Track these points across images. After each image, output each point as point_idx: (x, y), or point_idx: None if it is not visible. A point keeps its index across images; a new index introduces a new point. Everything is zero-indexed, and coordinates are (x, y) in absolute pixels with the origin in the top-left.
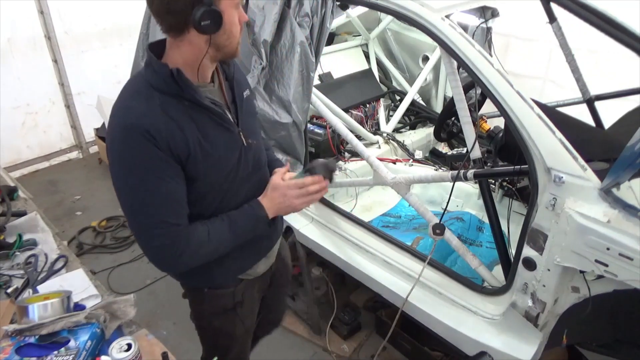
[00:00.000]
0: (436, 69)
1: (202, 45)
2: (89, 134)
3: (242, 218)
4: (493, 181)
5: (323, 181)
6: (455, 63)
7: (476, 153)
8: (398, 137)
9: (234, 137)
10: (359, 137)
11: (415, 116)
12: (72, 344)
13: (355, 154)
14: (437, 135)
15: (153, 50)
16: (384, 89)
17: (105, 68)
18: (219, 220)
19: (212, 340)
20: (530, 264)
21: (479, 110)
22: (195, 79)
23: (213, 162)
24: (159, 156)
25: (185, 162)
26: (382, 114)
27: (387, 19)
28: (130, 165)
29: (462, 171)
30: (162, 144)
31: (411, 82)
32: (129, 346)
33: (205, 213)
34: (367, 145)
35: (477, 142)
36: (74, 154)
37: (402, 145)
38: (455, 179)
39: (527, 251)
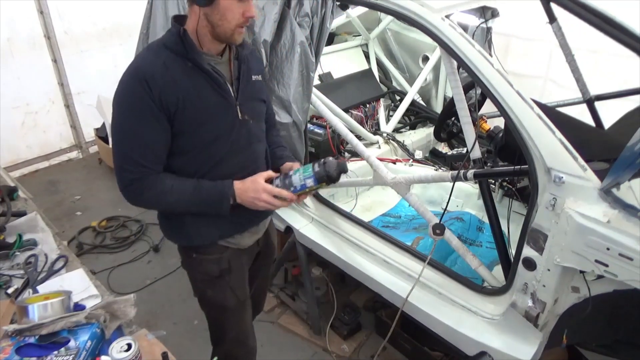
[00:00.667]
0: (436, 69)
1: (199, 17)
2: (89, 134)
3: (209, 189)
4: (493, 181)
5: (293, 199)
6: (455, 63)
7: (476, 153)
8: (398, 137)
9: (228, 107)
10: (359, 137)
11: (415, 116)
12: (72, 344)
13: (355, 154)
14: (437, 135)
15: (180, 19)
16: (384, 89)
17: (105, 68)
18: (188, 181)
19: (209, 313)
20: (530, 264)
21: (479, 110)
22: (198, 45)
23: (201, 121)
24: (149, 105)
25: (173, 114)
26: (382, 114)
27: (387, 19)
28: (123, 106)
29: (462, 171)
30: (155, 94)
31: (411, 82)
32: (129, 346)
33: (189, 170)
34: (367, 145)
35: (477, 142)
36: (73, 154)
37: (402, 145)
38: (455, 179)
39: (527, 251)
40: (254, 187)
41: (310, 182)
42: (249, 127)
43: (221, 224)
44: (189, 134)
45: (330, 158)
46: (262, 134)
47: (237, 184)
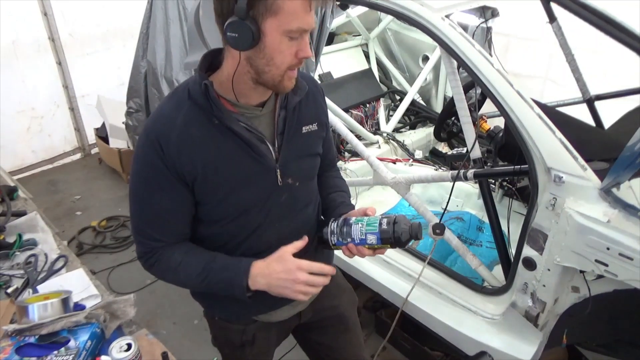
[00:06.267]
0: (436, 69)
1: (239, 62)
2: (91, 136)
3: (220, 272)
4: (493, 181)
5: (332, 272)
6: (455, 63)
7: (476, 153)
8: (398, 137)
9: (264, 172)
10: (359, 137)
11: (415, 116)
12: (72, 344)
13: (355, 154)
14: (437, 135)
15: (213, 56)
16: (384, 89)
17: (108, 70)
18: (198, 258)
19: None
20: (530, 264)
21: (479, 110)
22: (233, 97)
23: (227, 191)
24: (159, 169)
25: (192, 183)
26: (382, 114)
27: (387, 18)
28: (136, 167)
29: (462, 171)
30: (167, 158)
31: (411, 82)
32: (129, 346)
33: (219, 240)
34: (367, 145)
35: (477, 142)
36: (77, 156)
37: (402, 145)
38: (455, 179)
39: (527, 251)
40: (283, 267)
41: (372, 239)
42: (293, 191)
43: (253, 302)
44: (213, 205)
45: (403, 216)
46: (312, 195)
47: (258, 266)
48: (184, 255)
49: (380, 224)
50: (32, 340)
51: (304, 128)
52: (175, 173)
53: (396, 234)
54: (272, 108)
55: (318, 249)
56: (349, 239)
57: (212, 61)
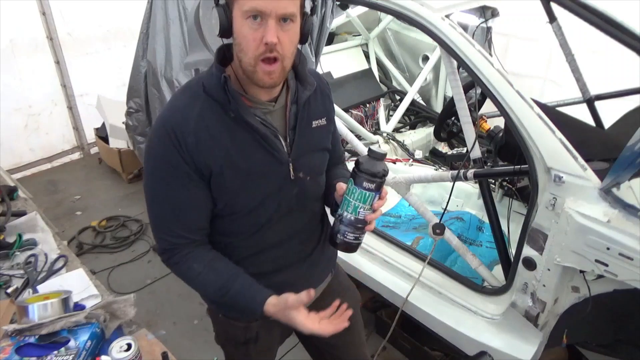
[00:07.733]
0: (436, 69)
1: (235, 54)
2: (91, 135)
3: (238, 294)
4: (493, 181)
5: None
6: (455, 63)
7: (476, 153)
8: (398, 136)
9: (278, 165)
10: (359, 137)
11: (415, 116)
12: (72, 343)
13: (355, 154)
14: (437, 135)
15: (227, 50)
16: (384, 88)
17: (109, 70)
18: (218, 272)
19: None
20: (530, 264)
21: (479, 110)
22: (243, 91)
23: (242, 185)
24: (177, 161)
25: (208, 176)
26: (382, 114)
27: (387, 18)
28: (151, 161)
29: (462, 171)
30: (184, 150)
31: (411, 82)
32: (129, 346)
33: (229, 231)
34: (367, 145)
35: (477, 142)
36: (75, 156)
37: (402, 145)
38: (455, 179)
39: (527, 251)
40: (287, 319)
41: (374, 203)
42: (303, 185)
43: None
44: (227, 198)
45: (361, 160)
46: (321, 190)
47: (270, 302)
48: (204, 266)
49: (365, 188)
50: (32, 340)
51: (314, 122)
52: (193, 165)
53: (375, 175)
54: (283, 103)
55: (324, 249)
56: (366, 223)
57: (225, 55)
